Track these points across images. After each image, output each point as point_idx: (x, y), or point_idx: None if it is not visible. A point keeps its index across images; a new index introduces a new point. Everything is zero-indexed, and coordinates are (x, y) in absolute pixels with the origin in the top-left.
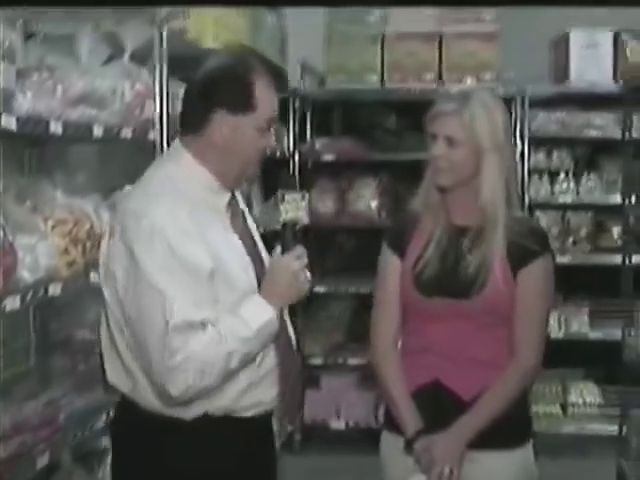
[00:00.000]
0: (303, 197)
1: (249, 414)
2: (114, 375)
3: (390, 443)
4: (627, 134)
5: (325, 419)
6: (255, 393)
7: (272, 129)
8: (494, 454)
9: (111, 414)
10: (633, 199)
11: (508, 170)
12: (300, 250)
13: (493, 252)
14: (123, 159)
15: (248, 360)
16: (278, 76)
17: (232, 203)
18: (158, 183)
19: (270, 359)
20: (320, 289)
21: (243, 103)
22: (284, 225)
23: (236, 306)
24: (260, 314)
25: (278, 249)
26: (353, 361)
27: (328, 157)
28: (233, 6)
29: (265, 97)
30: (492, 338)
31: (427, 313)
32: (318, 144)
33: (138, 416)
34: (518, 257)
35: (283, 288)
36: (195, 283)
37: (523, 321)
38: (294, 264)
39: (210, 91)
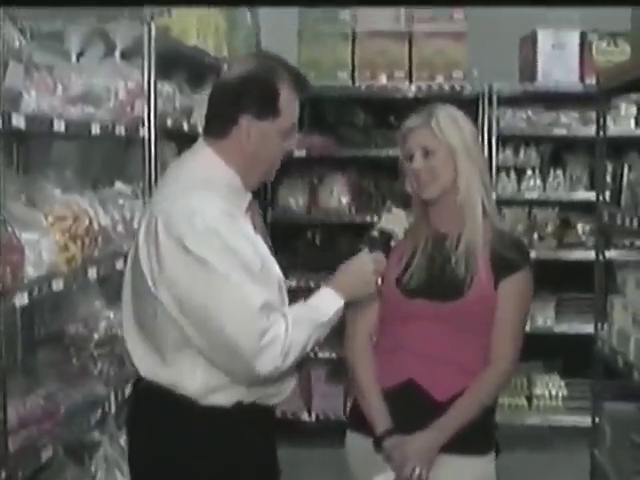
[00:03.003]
0: (407, 216)
1: (274, 401)
2: (150, 368)
3: (355, 443)
4: (601, 132)
5: (296, 412)
6: (282, 381)
7: (294, 131)
8: (458, 459)
9: (107, 408)
10: (607, 196)
11: (482, 175)
12: (381, 256)
13: (476, 247)
14: (107, 155)
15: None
16: (299, 80)
17: (251, 204)
18: (193, 183)
19: None
20: (291, 283)
21: (269, 110)
22: (381, 232)
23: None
24: (332, 302)
25: (366, 250)
26: (323, 355)
27: (299, 153)
28: (213, 6)
29: (289, 103)
30: (468, 343)
31: (405, 314)
32: None
33: (167, 404)
34: (501, 267)
35: (359, 283)
36: (253, 279)
37: (500, 331)
38: (374, 265)
39: (237, 96)
